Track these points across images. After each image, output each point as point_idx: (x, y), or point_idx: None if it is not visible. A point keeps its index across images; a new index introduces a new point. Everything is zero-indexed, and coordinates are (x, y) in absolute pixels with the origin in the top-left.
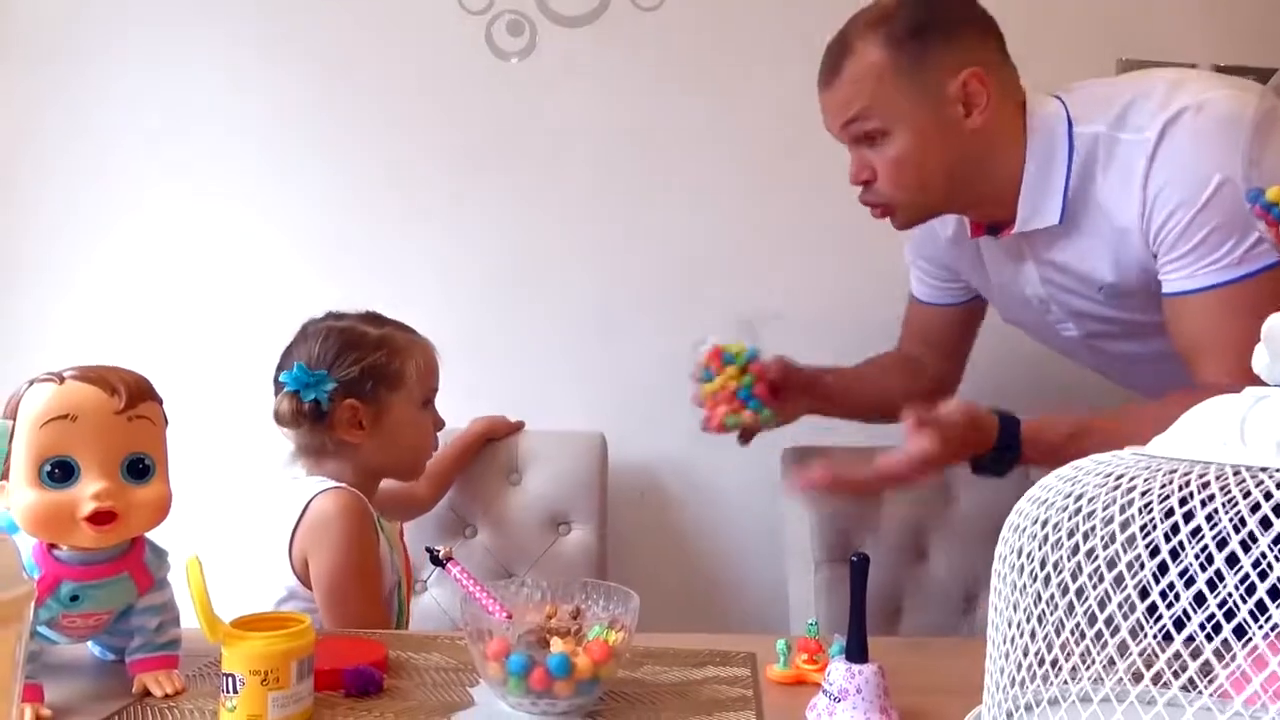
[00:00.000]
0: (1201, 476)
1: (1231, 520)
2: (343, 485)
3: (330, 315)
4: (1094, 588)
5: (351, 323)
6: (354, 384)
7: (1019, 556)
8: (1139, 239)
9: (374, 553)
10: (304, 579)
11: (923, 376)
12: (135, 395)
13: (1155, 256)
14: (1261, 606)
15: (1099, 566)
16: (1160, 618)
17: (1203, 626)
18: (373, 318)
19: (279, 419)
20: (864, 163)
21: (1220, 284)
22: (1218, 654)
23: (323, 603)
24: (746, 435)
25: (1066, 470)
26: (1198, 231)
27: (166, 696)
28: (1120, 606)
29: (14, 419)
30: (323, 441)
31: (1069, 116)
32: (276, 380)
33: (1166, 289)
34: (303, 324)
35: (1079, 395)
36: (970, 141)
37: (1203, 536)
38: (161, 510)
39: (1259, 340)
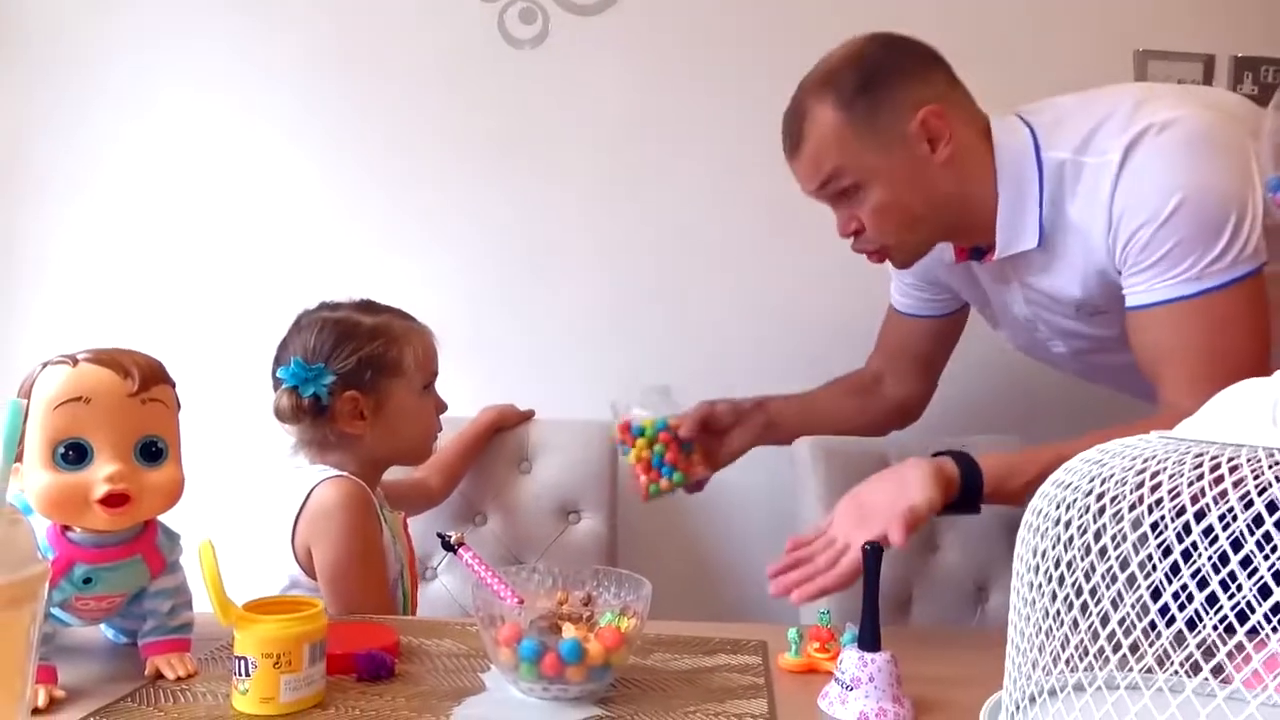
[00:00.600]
0: (1231, 460)
1: (1265, 501)
2: (345, 474)
3: (324, 306)
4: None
5: (346, 313)
6: (352, 375)
7: (1043, 539)
8: (1106, 258)
9: (377, 542)
10: (306, 568)
11: (882, 400)
12: (148, 378)
13: (1119, 273)
14: None
15: (1123, 555)
16: (1184, 606)
17: (1228, 617)
18: (367, 305)
19: (279, 415)
20: (848, 216)
21: (1178, 298)
22: (1248, 637)
23: (326, 591)
24: (689, 489)
25: (1092, 454)
26: (1159, 247)
27: (179, 679)
28: (1142, 598)
29: (28, 401)
30: (325, 434)
31: (1036, 143)
32: (275, 376)
33: (1128, 303)
34: (297, 316)
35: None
36: (942, 175)
37: (1231, 521)
38: (174, 493)
39: (1218, 354)
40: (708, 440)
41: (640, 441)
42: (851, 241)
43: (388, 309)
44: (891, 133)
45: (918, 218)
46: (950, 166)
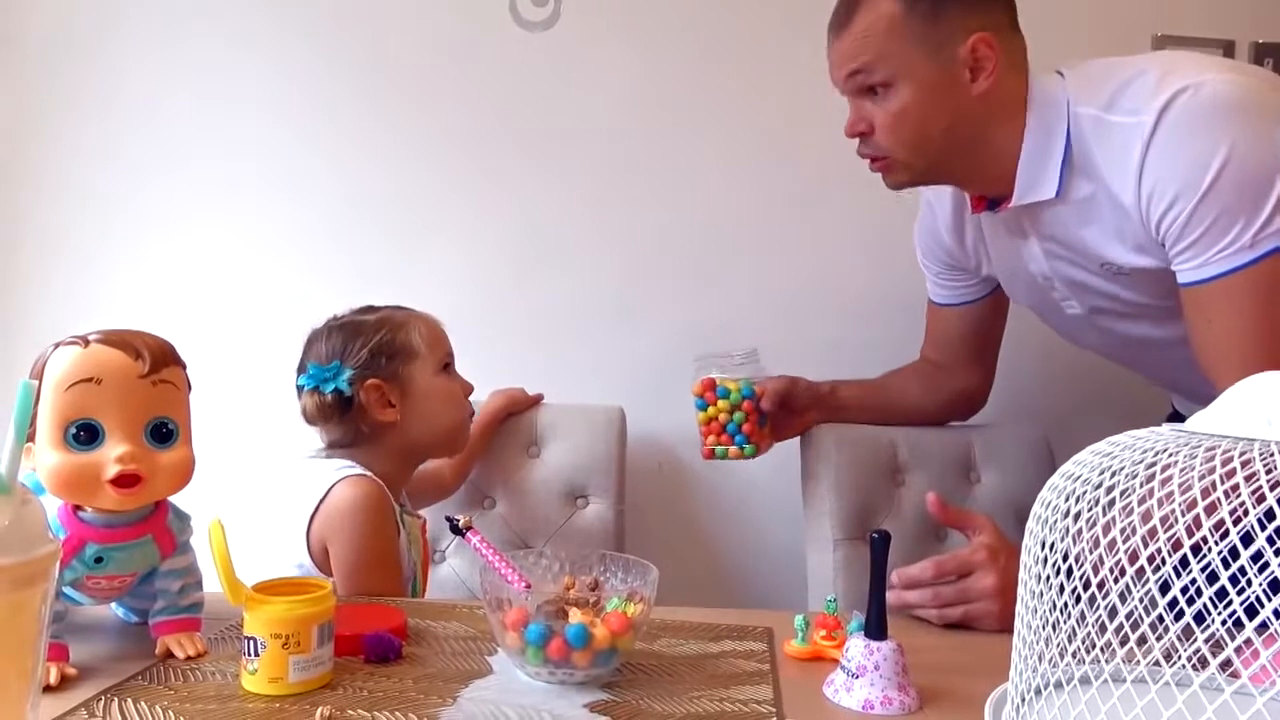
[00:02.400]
0: (1244, 454)
1: (1277, 496)
2: (366, 474)
3: (329, 319)
4: (1119, 573)
5: (349, 317)
6: (369, 365)
7: (1051, 531)
8: (1137, 223)
9: (393, 543)
10: (320, 563)
11: (944, 388)
12: (159, 360)
13: (1163, 246)
14: None
15: (1131, 548)
16: (1193, 601)
17: (1236, 612)
18: (367, 308)
19: (308, 418)
20: (862, 114)
21: (1233, 269)
22: (1257, 632)
23: (342, 587)
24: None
25: (1102, 446)
26: (1203, 220)
27: (188, 658)
28: (1150, 591)
29: (40, 381)
30: (357, 429)
31: (1068, 94)
32: (297, 388)
33: (1181, 280)
34: (307, 335)
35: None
36: (973, 106)
37: (1242, 516)
38: (184, 474)
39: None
40: (779, 415)
41: (722, 404)
42: (857, 143)
43: (387, 307)
44: (941, 44)
45: (932, 138)
46: (982, 101)
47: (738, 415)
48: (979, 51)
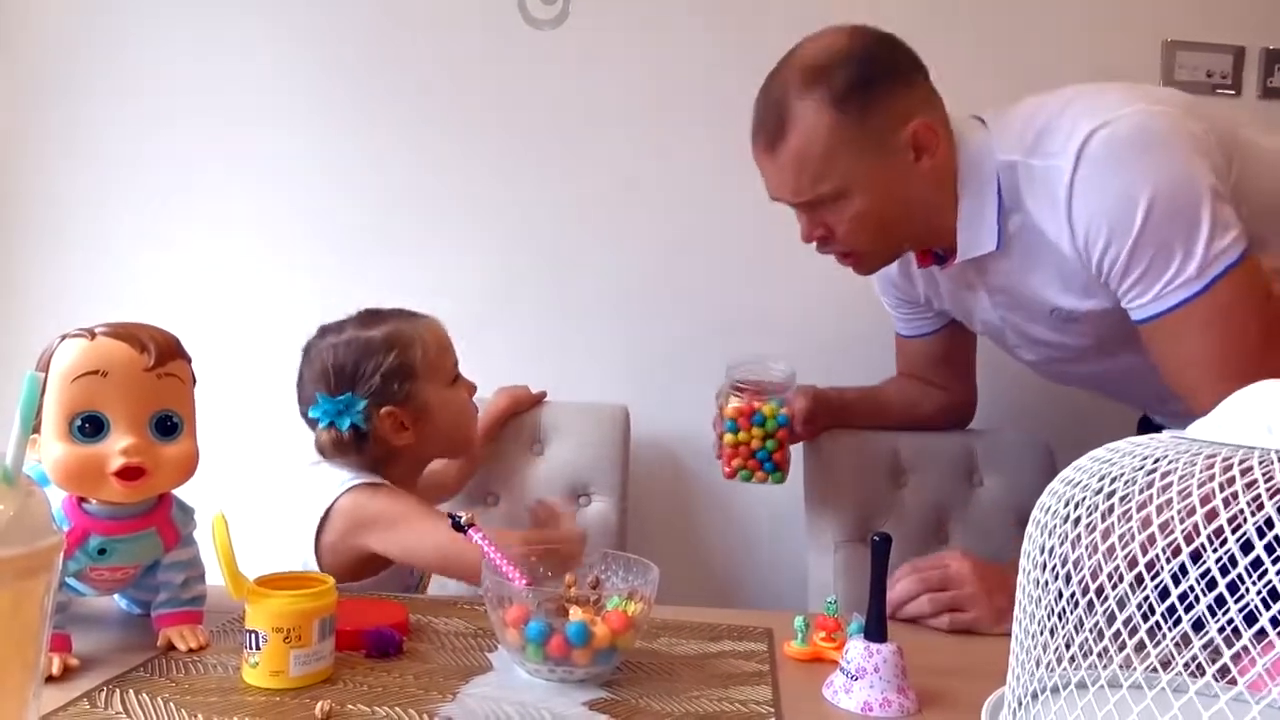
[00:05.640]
0: (1243, 461)
1: (1275, 505)
2: (375, 479)
3: (327, 330)
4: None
5: (351, 333)
6: (381, 392)
7: (1050, 536)
8: (1078, 265)
9: (418, 502)
10: (329, 568)
11: (928, 402)
12: (165, 353)
13: (1107, 285)
14: None
15: (1130, 553)
16: (1191, 607)
17: (1232, 619)
18: (369, 317)
19: (324, 453)
20: (816, 223)
21: (1186, 300)
22: (1254, 640)
23: (434, 558)
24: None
25: (1101, 452)
26: (1142, 258)
27: (190, 651)
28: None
29: (46, 373)
30: (375, 456)
31: (993, 144)
32: (306, 416)
33: (1135, 317)
34: (303, 348)
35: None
36: (922, 183)
37: (1241, 525)
38: (188, 467)
39: (1248, 347)
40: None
41: (756, 431)
42: (816, 246)
43: (389, 313)
44: (882, 139)
45: (892, 225)
46: (930, 175)
47: (770, 443)
48: (920, 136)
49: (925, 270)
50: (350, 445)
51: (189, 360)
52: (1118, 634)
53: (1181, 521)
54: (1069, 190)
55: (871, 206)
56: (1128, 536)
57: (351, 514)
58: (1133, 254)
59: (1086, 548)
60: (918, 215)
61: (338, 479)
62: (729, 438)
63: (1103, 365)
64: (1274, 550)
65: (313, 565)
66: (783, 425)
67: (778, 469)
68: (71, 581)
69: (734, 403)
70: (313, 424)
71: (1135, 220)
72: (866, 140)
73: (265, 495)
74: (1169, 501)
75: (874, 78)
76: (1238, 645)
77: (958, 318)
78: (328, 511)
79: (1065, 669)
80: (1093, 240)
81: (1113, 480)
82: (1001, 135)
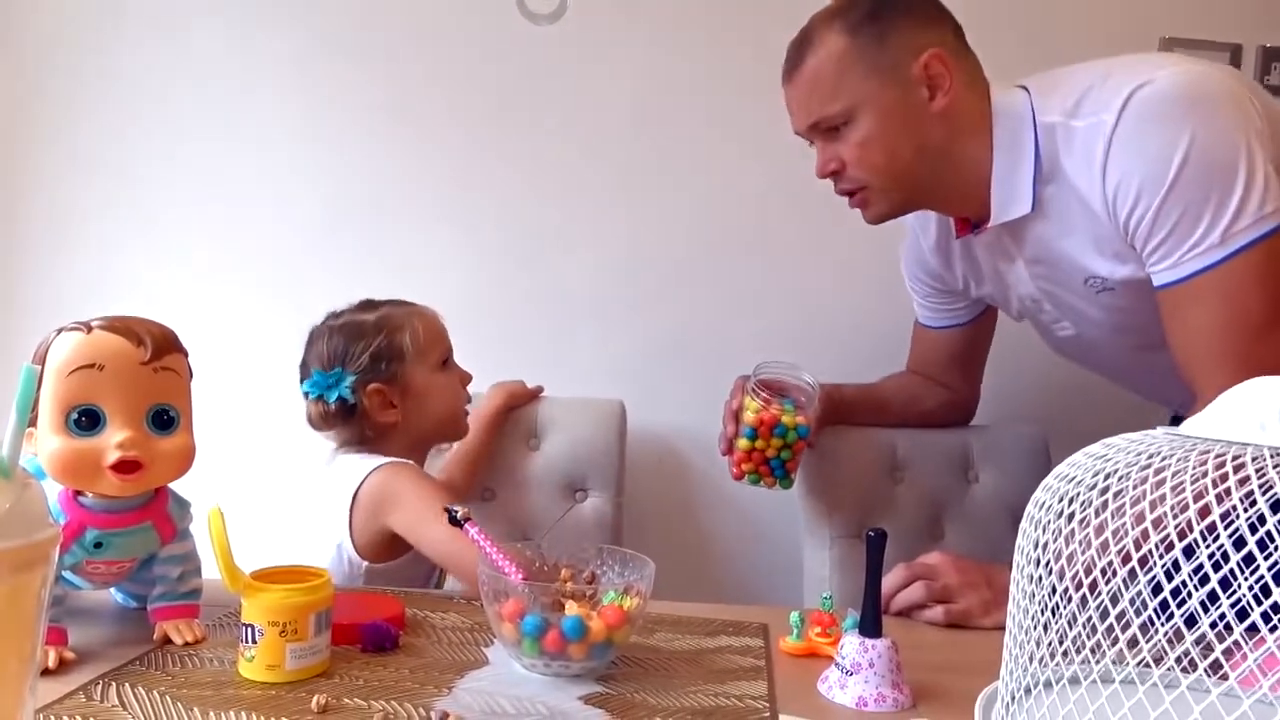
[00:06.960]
0: (1237, 459)
1: (1268, 502)
2: (399, 460)
3: (329, 316)
4: (1110, 574)
5: (349, 317)
6: (370, 370)
7: (1044, 531)
8: (1110, 227)
9: (441, 485)
10: (363, 551)
11: (931, 399)
12: (161, 347)
13: (1135, 249)
14: None
15: (1124, 549)
16: (1184, 602)
17: (1224, 614)
18: (367, 304)
19: (313, 424)
20: (829, 155)
21: (1206, 268)
22: (1245, 636)
23: (446, 564)
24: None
25: (1097, 448)
26: (1170, 216)
27: (186, 644)
28: (1141, 593)
29: (42, 366)
30: (362, 431)
31: (1033, 106)
32: (303, 394)
33: (1156, 283)
34: (308, 333)
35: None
36: (936, 125)
37: (1234, 521)
38: (185, 461)
39: (1250, 325)
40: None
41: (775, 441)
42: (833, 184)
43: (386, 301)
44: (892, 66)
45: (902, 161)
46: (945, 119)
47: (785, 453)
48: (932, 68)
49: (964, 247)
50: (337, 417)
51: (186, 354)
52: (1111, 629)
53: (1175, 517)
54: (1108, 145)
55: (879, 132)
56: (1121, 532)
57: (374, 493)
58: (1160, 210)
59: (1080, 543)
60: (933, 161)
61: (367, 463)
62: (744, 443)
63: (1138, 348)
64: (1266, 546)
65: (348, 549)
66: (802, 437)
67: (787, 476)
68: (68, 575)
69: (757, 409)
70: (305, 398)
71: (1168, 175)
72: (880, 66)
73: (261, 489)
74: (1163, 497)
75: (890, 7)
76: (1229, 640)
77: (995, 300)
78: (356, 493)
79: (1059, 664)
80: (1124, 195)
81: (1108, 476)
82: (1044, 98)
